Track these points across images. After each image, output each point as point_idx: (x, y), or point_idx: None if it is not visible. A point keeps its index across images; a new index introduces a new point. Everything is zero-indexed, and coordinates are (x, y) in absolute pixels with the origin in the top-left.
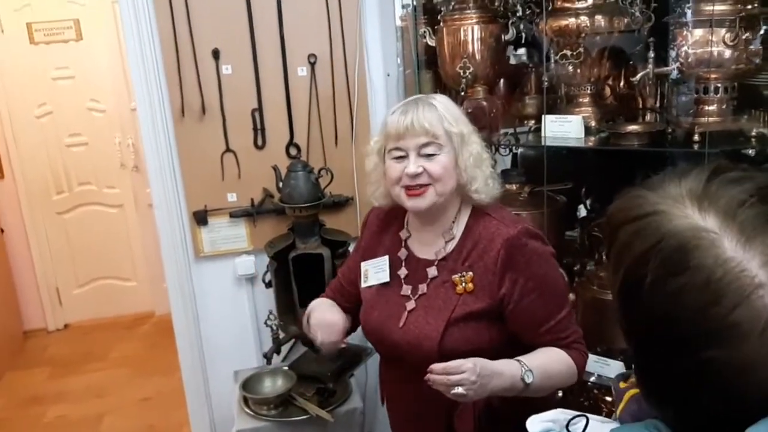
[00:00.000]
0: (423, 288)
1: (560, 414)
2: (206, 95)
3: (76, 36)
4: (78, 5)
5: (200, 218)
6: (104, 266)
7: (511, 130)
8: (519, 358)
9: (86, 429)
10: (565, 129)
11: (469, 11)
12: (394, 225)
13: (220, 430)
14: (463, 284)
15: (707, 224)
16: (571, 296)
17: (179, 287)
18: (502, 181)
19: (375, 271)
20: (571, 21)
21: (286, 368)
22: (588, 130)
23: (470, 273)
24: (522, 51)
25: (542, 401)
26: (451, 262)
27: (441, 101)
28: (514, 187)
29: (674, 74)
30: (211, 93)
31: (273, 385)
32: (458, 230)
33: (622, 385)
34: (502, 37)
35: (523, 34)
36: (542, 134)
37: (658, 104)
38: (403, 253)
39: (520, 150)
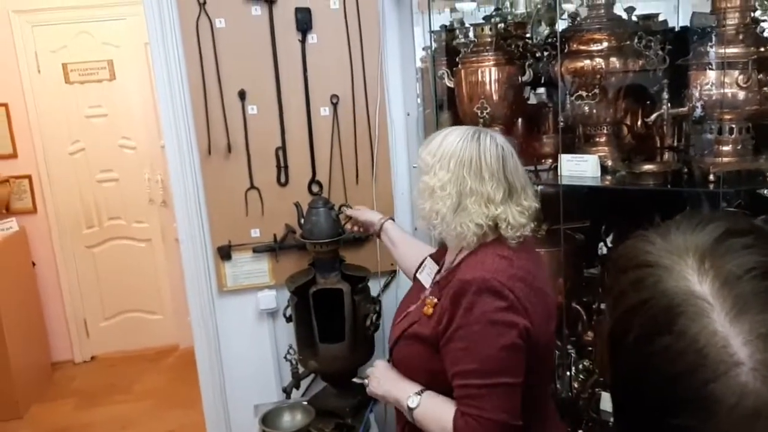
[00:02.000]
0: (420, 300)
1: None
2: (232, 134)
3: (109, 76)
4: (112, 46)
5: (224, 253)
6: (131, 299)
7: (531, 167)
8: (428, 390)
9: None
10: (581, 168)
11: (486, 53)
12: None
13: None
14: (428, 307)
15: (702, 290)
16: (590, 335)
17: (202, 321)
18: None
19: (427, 272)
20: (587, 63)
21: (305, 403)
22: (605, 169)
23: (435, 299)
24: (542, 90)
25: None
26: (438, 286)
27: (457, 133)
28: (532, 224)
29: (698, 112)
30: (237, 132)
31: (292, 420)
32: (457, 260)
33: None
34: (520, 78)
35: (541, 75)
36: (559, 173)
37: (676, 143)
38: (440, 264)
39: (539, 188)
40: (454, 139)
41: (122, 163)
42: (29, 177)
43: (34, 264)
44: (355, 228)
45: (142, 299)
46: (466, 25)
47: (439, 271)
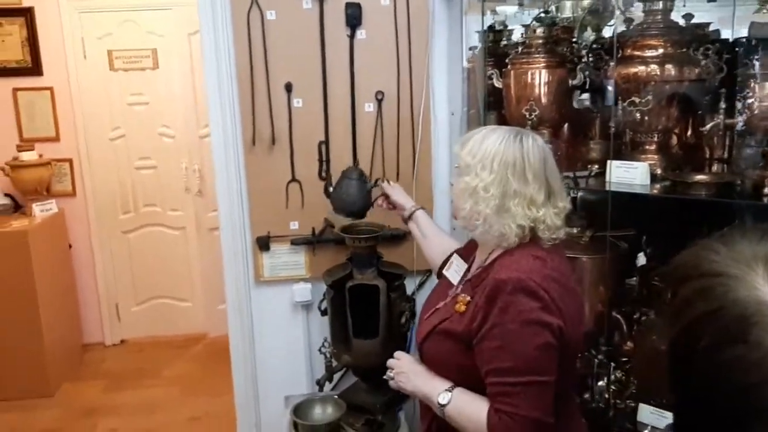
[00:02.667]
0: (450, 297)
1: None
2: (277, 126)
3: (152, 65)
4: (157, 36)
5: (263, 244)
6: (163, 286)
7: (569, 174)
8: (458, 387)
9: None
10: (630, 175)
11: (537, 55)
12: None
13: None
14: (460, 304)
15: None
16: (629, 344)
17: (238, 309)
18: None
19: (454, 269)
20: (641, 69)
21: (337, 397)
22: (653, 178)
23: (468, 297)
24: (585, 96)
25: None
26: (470, 284)
27: (498, 134)
28: (575, 230)
29: (740, 126)
30: (282, 124)
31: (323, 413)
32: (489, 260)
33: None
34: (569, 81)
35: (588, 80)
36: (607, 179)
37: (725, 155)
38: (469, 262)
39: (579, 194)
40: (495, 139)
41: (160, 151)
42: (70, 160)
43: (70, 246)
44: (385, 204)
45: (173, 286)
46: (509, 27)
47: (468, 269)
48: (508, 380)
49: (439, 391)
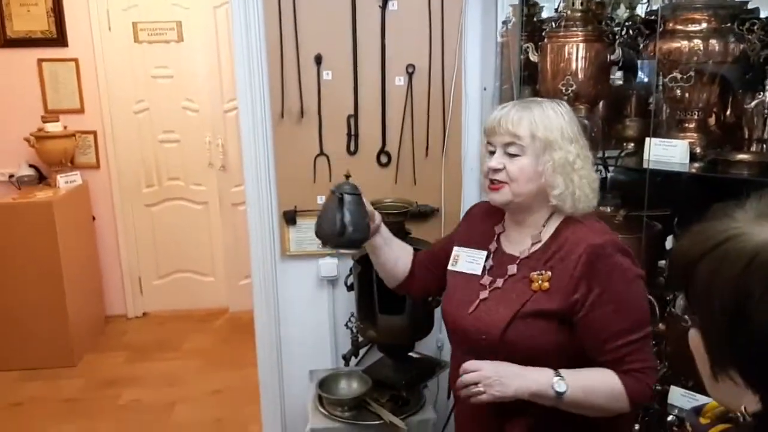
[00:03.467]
0: (500, 282)
1: None
2: (306, 99)
3: (177, 37)
4: (182, 8)
5: (289, 218)
6: (185, 260)
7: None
8: (560, 370)
9: (158, 415)
10: (669, 153)
11: (575, 29)
12: (493, 219)
13: (290, 428)
14: (540, 282)
15: None
16: (661, 326)
17: (263, 283)
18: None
19: (468, 260)
20: (684, 44)
21: (362, 372)
22: (692, 157)
23: (548, 273)
24: (619, 75)
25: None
26: (533, 261)
27: (546, 106)
28: (608, 209)
29: None
30: (311, 97)
31: (348, 387)
32: (546, 234)
33: (702, 421)
34: (607, 56)
35: (622, 57)
36: (645, 157)
37: (765, 136)
38: (493, 246)
39: (610, 174)
40: (550, 111)
41: (184, 125)
42: (94, 133)
43: (94, 218)
44: None
45: (195, 261)
46: (540, 3)
47: (498, 250)
48: (631, 339)
49: (548, 381)
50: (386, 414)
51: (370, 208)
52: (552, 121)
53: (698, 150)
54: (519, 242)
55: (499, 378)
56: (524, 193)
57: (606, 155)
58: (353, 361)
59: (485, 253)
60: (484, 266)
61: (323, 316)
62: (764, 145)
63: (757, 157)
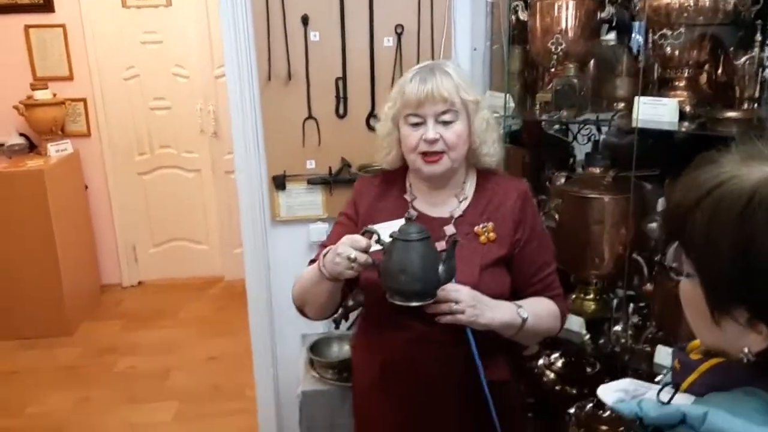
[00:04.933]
0: (442, 245)
1: (629, 384)
2: (293, 61)
3: (165, 2)
4: None
5: (279, 183)
6: (179, 228)
7: (593, 117)
8: (515, 302)
9: (154, 381)
10: (658, 112)
11: None
12: (393, 189)
13: (284, 392)
14: (486, 234)
15: None
16: (649, 286)
17: (254, 249)
18: (586, 164)
19: (386, 227)
20: (674, 0)
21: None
22: (682, 116)
23: (491, 224)
24: (612, 37)
25: None
26: (468, 217)
27: (454, 69)
28: (597, 170)
29: None
30: (298, 59)
31: (339, 351)
32: (470, 190)
33: (694, 356)
34: (597, 14)
35: (615, 18)
36: (634, 116)
37: (756, 95)
38: (411, 214)
39: (602, 137)
40: (459, 71)
41: (175, 91)
42: (84, 100)
43: (86, 187)
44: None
45: (189, 229)
46: None
47: (460, 215)
48: (552, 269)
49: (514, 310)
50: None
51: None
52: (468, 80)
53: (688, 108)
54: (443, 203)
55: (477, 304)
56: (460, 159)
57: (600, 119)
58: (344, 324)
59: (402, 221)
60: (454, 218)
61: None
62: (755, 104)
63: (745, 114)
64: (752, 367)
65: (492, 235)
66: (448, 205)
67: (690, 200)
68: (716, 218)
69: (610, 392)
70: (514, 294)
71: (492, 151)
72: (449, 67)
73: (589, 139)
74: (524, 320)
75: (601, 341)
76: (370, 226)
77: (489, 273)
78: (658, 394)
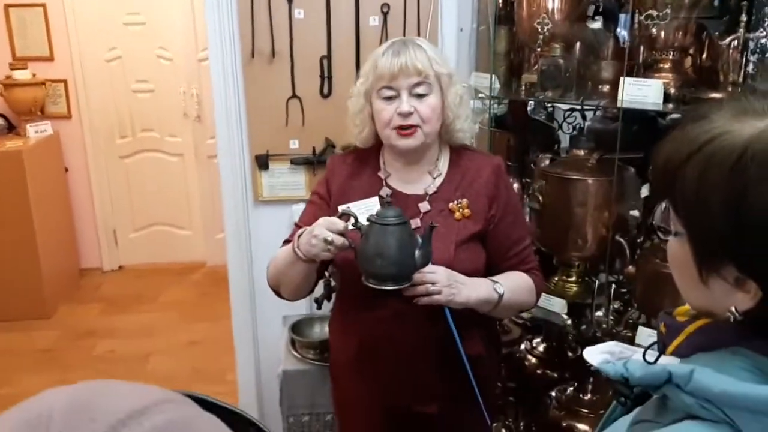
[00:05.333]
0: (417, 222)
1: (615, 346)
2: (277, 39)
3: None
4: None
5: (262, 162)
6: (161, 213)
7: (578, 100)
8: (490, 278)
9: (133, 365)
10: (643, 93)
11: None
12: (367, 167)
13: (265, 374)
14: (461, 210)
15: None
16: (631, 268)
17: (236, 229)
18: (570, 147)
19: (363, 212)
20: None
21: None
22: (666, 97)
23: (465, 200)
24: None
25: None
26: (442, 194)
27: (426, 43)
28: (582, 152)
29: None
30: (282, 37)
31: (321, 331)
32: (443, 166)
33: (680, 318)
34: None
35: (601, 1)
36: (619, 97)
37: (740, 79)
38: (386, 192)
39: (587, 123)
40: (432, 45)
41: (158, 74)
42: (65, 81)
43: (66, 170)
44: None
45: (171, 214)
46: None
47: (435, 192)
48: (527, 243)
49: (490, 286)
50: None
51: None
52: (441, 54)
53: (672, 90)
54: (417, 180)
55: (453, 283)
56: (434, 133)
57: (584, 107)
58: (326, 305)
59: (376, 199)
60: (428, 195)
61: None
62: (739, 88)
63: (729, 95)
64: (739, 327)
65: (467, 211)
66: (423, 182)
67: (680, 155)
68: (707, 173)
69: (596, 354)
70: (490, 269)
71: (465, 127)
72: (422, 41)
73: (574, 128)
74: (501, 296)
75: (583, 327)
76: (346, 207)
77: (464, 249)
78: (643, 355)
